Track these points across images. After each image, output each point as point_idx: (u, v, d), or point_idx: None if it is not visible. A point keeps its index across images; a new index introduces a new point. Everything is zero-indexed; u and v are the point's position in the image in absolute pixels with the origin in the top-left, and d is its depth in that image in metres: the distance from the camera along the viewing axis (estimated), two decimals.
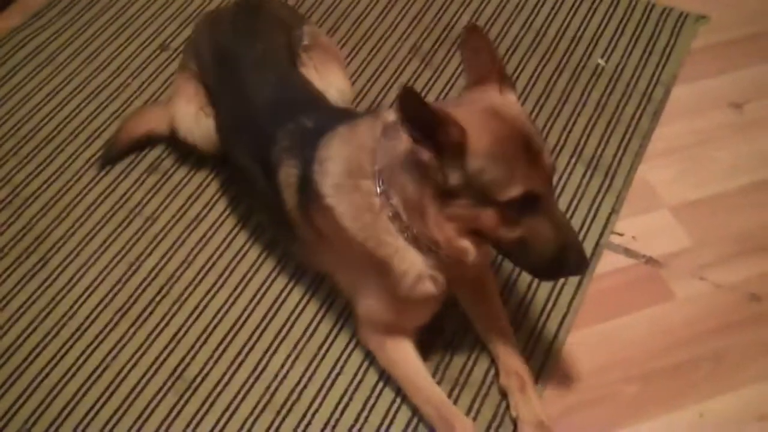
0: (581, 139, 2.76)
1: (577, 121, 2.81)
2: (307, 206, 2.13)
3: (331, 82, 2.53)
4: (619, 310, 2.38)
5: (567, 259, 1.85)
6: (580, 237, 2.50)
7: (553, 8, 3.16)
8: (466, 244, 1.89)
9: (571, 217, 2.55)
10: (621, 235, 2.53)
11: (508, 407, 2.18)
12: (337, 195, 2.02)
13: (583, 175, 2.66)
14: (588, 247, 2.48)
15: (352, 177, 1.99)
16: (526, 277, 2.42)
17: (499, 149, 1.76)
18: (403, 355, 2.19)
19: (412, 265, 1.99)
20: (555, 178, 2.51)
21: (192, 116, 2.57)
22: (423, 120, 1.72)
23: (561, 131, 2.78)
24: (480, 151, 1.75)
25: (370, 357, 2.27)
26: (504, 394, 2.20)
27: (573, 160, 2.70)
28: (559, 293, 2.40)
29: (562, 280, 2.41)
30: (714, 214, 2.57)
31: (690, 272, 2.44)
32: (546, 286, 2.40)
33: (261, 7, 2.57)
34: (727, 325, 2.34)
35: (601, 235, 2.52)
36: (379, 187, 1.95)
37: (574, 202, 2.59)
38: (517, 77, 2.93)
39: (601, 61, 2.98)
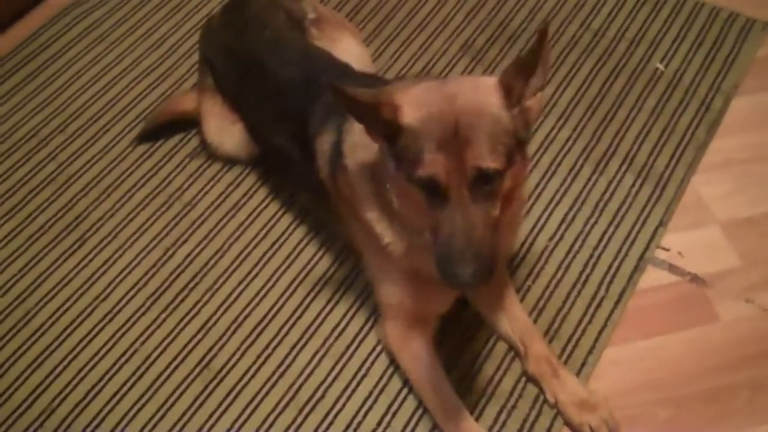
0: (633, 147, 2.67)
1: (631, 128, 2.72)
2: (335, 173, 2.13)
3: (347, 50, 2.48)
4: (659, 328, 2.30)
5: (451, 265, 1.72)
6: (625, 249, 2.43)
7: (613, 8, 3.06)
8: (408, 218, 1.90)
9: (617, 227, 2.48)
10: (667, 250, 2.45)
11: (543, 396, 2.16)
12: (352, 155, 2.03)
13: (632, 185, 2.57)
14: (632, 260, 2.41)
15: (365, 140, 1.93)
16: (562, 290, 2.36)
17: (423, 128, 1.72)
18: (423, 353, 2.15)
19: (396, 236, 2.00)
20: (603, 184, 2.52)
21: (220, 131, 2.59)
22: (360, 109, 1.76)
23: (613, 137, 2.69)
24: (408, 126, 1.73)
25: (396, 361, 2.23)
26: (534, 382, 2.18)
27: (623, 168, 2.62)
28: (598, 307, 2.33)
29: (601, 294, 2.35)
30: (767, 233, 2.47)
31: (736, 294, 2.35)
32: (584, 299, 2.34)
33: (249, 1, 2.54)
34: None
35: (646, 248, 2.44)
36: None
37: (621, 212, 2.51)
38: (571, 79, 2.85)
39: (660, 66, 2.88)
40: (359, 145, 2.02)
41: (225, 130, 2.58)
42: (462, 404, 2.10)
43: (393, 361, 2.24)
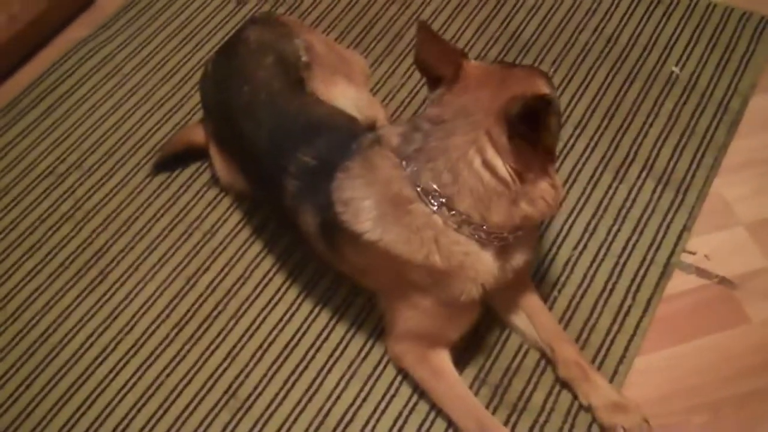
0: (652, 153, 2.64)
1: (649, 133, 2.69)
2: (337, 247, 2.10)
3: (340, 98, 2.40)
4: (689, 333, 2.27)
5: None
6: (650, 255, 2.40)
7: (625, 14, 3.04)
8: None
9: (641, 234, 2.45)
10: (693, 253, 2.41)
11: (577, 399, 2.14)
12: (381, 226, 1.95)
13: (654, 191, 2.54)
14: (658, 266, 2.38)
15: (397, 205, 1.94)
16: (589, 300, 2.33)
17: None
18: (445, 367, 2.14)
19: (485, 264, 1.96)
20: (624, 192, 2.52)
21: (227, 176, 2.54)
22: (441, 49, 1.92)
23: (631, 144, 2.66)
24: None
25: None
26: (567, 386, 2.16)
27: (643, 174, 2.59)
28: (626, 315, 2.30)
29: (629, 302, 2.31)
30: None
31: (766, 294, 2.31)
32: (611, 308, 2.30)
33: (239, 45, 2.46)
34: None
35: (672, 253, 2.41)
36: (432, 204, 1.90)
37: (644, 219, 2.48)
38: (586, 87, 2.83)
39: (676, 70, 2.85)
40: (389, 215, 1.95)
41: (230, 176, 2.53)
42: (488, 413, 2.09)
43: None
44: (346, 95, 2.43)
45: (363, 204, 1.98)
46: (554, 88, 2.01)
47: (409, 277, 2.01)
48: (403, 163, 1.92)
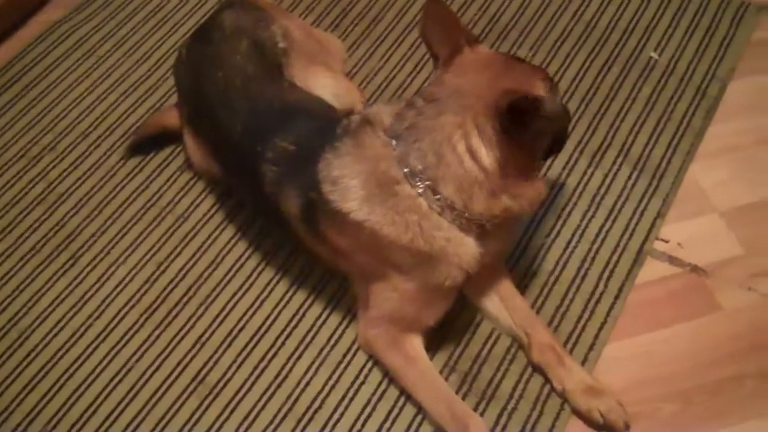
0: (629, 138, 2.63)
1: (626, 119, 2.68)
2: (320, 229, 2.09)
3: (318, 87, 2.39)
4: (661, 321, 2.26)
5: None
6: (623, 242, 2.39)
7: None
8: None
9: (614, 220, 2.44)
10: (666, 241, 2.40)
11: (550, 386, 2.13)
12: (368, 206, 1.96)
13: (629, 177, 2.53)
14: (630, 253, 2.38)
15: (383, 186, 1.95)
16: (561, 286, 2.32)
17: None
18: (418, 353, 2.14)
19: (467, 249, 1.97)
20: (599, 178, 2.53)
21: (201, 161, 2.52)
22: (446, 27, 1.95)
23: (608, 129, 2.65)
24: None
25: None
26: (540, 372, 2.15)
27: (619, 160, 2.58)
28: (598, 302, 2.29)
29: (600, 289, 2.31)
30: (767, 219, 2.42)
31: (738, 282, 2.31)
32: (583, 295, 2.29)
33: (213, 30, 2.44)
34: None
35: (644, 241, 2.40)
36: (417, 186, 1.91)
37: (618, 205, 2.47)
38: (564, 71, 2.81)
39: (654, 55, 2.84)
40: (377, 196, 1.96)
41: (204, 161, 2.50)
42: (458, 398, 2.09)
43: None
44: (324, 83, 2.42)
45: (351, 182, 1.97)
46: (556, 93, 2.00)
47: (393, 258, 2.01)
48: (393, 142, 1.93)
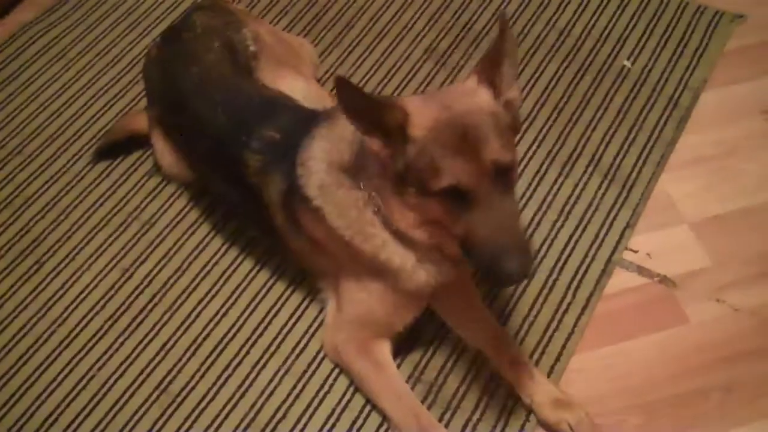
0: (600, 147, 2.62)
1: (597, 128, 2.67)
2: (295, 215, 2.08)
3: (289, 87, 2.36)
4: (627, 332, 2.25)
5: (502, 264, 1.71)
6: (592, 252, 2.38)
7: (579, 6, 3.01)
8: (421, 235, 1.87)
9: (584, 230, 2.43)
10: (635, 251, 2.39)
11: (517, 398, 2.11)
12: (323, 195, 1.99)
13: (599, 186, 2.52)
14: (599, 263, 2.36)
15: (335, 173, 1.96)
16: (529, 297, 2.31)
17: (434, 137, 1.73)
18: (386, 360, 2.13)
19: (403, 257, 1.96)
20: (569, 187, 2.47)
21: (171, 163, 2.52)
22: (365, 109, 1.74)
23: (579, 138, 2.64)
24: (417, 137, 1.75)
25: None
26: (507, 384, 2.13)
27: (589, 169, 2.56)
28: (565, 312, 2.28)
29: (568, 299, 2.29)
30: (737, 231, 2.42)
31: (707, 294, 2.30)
32: (551, 305, 2.28)
33: (185, 29, 2.45)
34: (742, 353, 2.19)
35: (613, 251, 2.39)
36: (362, 182, 1.92)
37: (588, 215, 2.46)
38: (537, 79, 2.80)
39: (627, 63, 2.83)
40: (332, 182, 1.97)
41: (174, 164, 2.50)
42: (424, 408, 2.08)
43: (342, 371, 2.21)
44: (293, 87, 2.39)
45: (317, 164, 1.99)
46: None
47: (351, 258, 2.02)
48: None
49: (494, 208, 1.73)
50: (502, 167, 1.72)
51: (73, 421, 2.19)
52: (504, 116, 1.79)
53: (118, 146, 2.71)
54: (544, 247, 2.40)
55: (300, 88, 2.43)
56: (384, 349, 2.14)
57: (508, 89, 1.81)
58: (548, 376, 2.15)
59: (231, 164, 2.18)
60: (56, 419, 2.19)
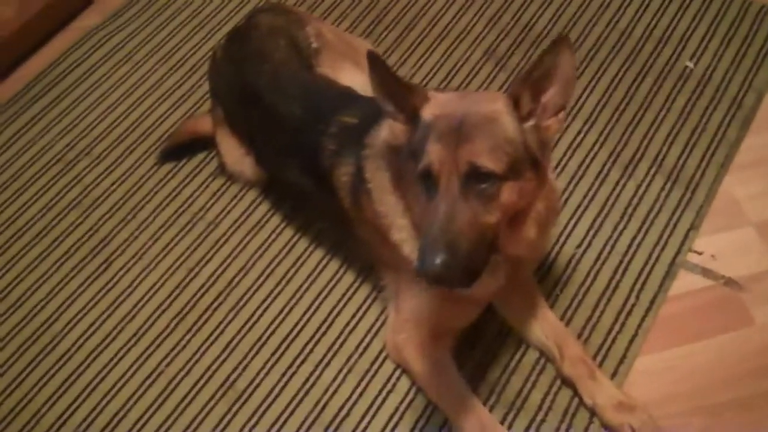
0: (662, 149, 2.60)
1: (660, 129, 2.65)
2: (359, 200, 2.12)
3: (349, 81, 2.40)
4: (692, 335, 2.24)
5: (419, 256, 1.71)
6: (656, 254, 2.36)
7: (640, 7, 2.99)
8: None
9: (647, 232, 2.42)
10: (700, 253, 2.38)
11: (580, 400, 2.11)
12: (374, 178, 2.05)
13: (662, 188, 2.51)
14: (663, 265, 2.35)
15: (388, 158, 2.02)
16: (592, 298, 2.31)
17: (435, 122, 1.79)
18: (446, 362, 2.14)
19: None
20: (632, 189, 2.48)
21: (236, 161, 2.58)
22: (391, 86, 1.84)
23: (641, 140, 2.63)
24: (425, 120, 1.81)
25: None
26: (570, 385, 2.13)
27: (652, 171, 2.55)
28: (629, 314, 2.27)
29: (632, 301, 2.29)
30: None
31: None
32: (614, 307, 2.28)
33: (251, 29, 2.51)
34: None
35: (677, 253, 2.37)
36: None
37: (651, 217, 2.45)
38: (598, 80, 2.79)
39: (690, 64, 2.81)
40: (381, 167, 2.04)
41: (239, 161, 2.57)
42: (485, 409, 2.07)
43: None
44: (354, 80, 2.43)
45: (377, 150, 2.05)
46: None
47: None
48: None
49: (446, 202, 1.72)
50: (477, 172, 1.72)
51: (141, 417, 2.24)
52: (515, 133, 1.77)
53: (183, 148, 2.76)
54: (607, 249, 2.40)
55: (361, 82, 2.45)
56: (444, 350, 2.15)
57: (547, 115, 1.80)
58: (612, 378, 2.15)
59: (307, 151, 2.24)
60: (125, 415, 2.25)
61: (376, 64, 1.83)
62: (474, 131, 1.73)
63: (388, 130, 2.01)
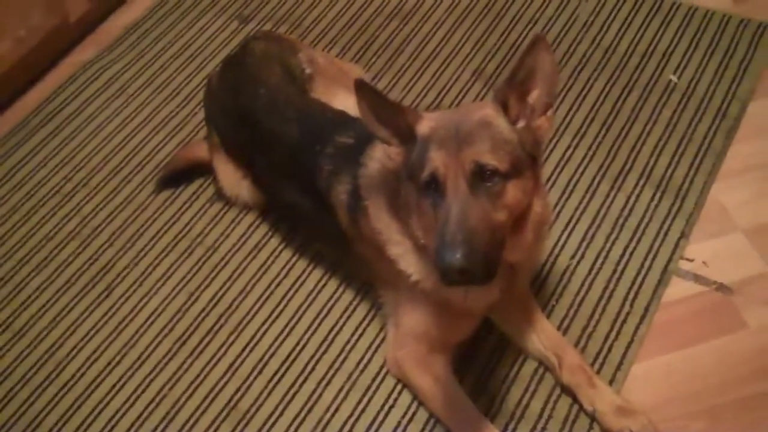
0: (650, 160, 2.66)
1: (647, 141, 2.71)
2: (357, 218, 2.16)
3: (342, 106, 2.43)
4: (687, 340, 2.27)
5: (438, 255, 1.74)
6: (648, 262, 2.41)
7: (623, 24, 3.06)
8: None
9: (639, 241, 2.46)
10: (691, 260, 2.42)
11: (580, 407, 2.14)
12: (370, 195, 2.10)
13: (652, 198, 2.56)
14: (655, 273, 2.39)
15: (384, 175, 2.06)
16: (587, 308, 2.34)
17: (432, 134, 1.84)
18: (446, 374, 2.16)
19: (420, 271, 2.04)
20: (622, 200, 2.52)
21: (233, 185, 2.63)
22: (383, 110, 1.88)
23: (629, 152, 2.68)
24: (421, 135, 1.87)
25: None
26: (569, 393, 2.16)
27: (641, 182, 2.60)
28: (624, 322, 2.31)
29: (626, 309, 2.32)
30: None
31: (764, 300, 2.32)
32: (609, 316, 2.31)
33: (245, 55, 2.57)
34: None
35: (669, 260, 2.42)
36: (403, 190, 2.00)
37: (642, 227, 2.50)
38: (584, 97, 2.85)
39: (674, 78, 2.87)
40: (377, 184, 2.09)
41: (236, 185, 2.62)
42: (487, 420, 2.09)
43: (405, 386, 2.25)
44: (347, 104, 2.47)
45: (372, 167, 2.10)
46: None
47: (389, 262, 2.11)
48: None
49: (457, 202, 1.77)
50: (483, 170, 1.77)
51: None
52: (509, 133, 1.84)
53: (180, 175, 2.80)
54: (600, 259, 2.44)
55: (353, 105, 2.49)
56: (443, 363, 2.18)
57: (536, 115, 1.86)
58: (609, 385, 2.18)
59: (304, 172, 2.29)
60: None
61: (365, 91, 1.87)
62: (473, 134, 1.80)
63: (383, 152, 2.06)
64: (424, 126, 1.87)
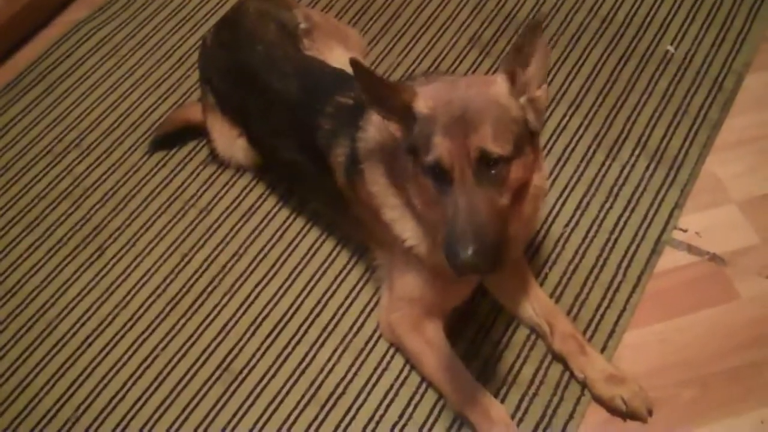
0: (646, 131, 2.65)
1: (642, 112, 2.70)
2: (353, 180, 2.16)
3: (338, 60, 2.43)
4: (679, 309, 2.28)
5: (453, 249, 1.74)
6: (641, 232, 2.41)
7: None
8: (433, 215, 1.91)
9: (633, 211, 2.47)
10: (684, 231, 2.43)
11: (571, 374, 2.16)
12: (367, 159, 2.09)
13: (646, 168, 2.56)
14: (649, 243, 2.40)
15: (381, 140, 2.05)
16: (580, 276, 2.35)
17: (434, 114, 1.81)
18: (438, 338, 2.17)
19: (416, 236, 2.05)
20: (617, 170, 2.52)
21: (228, 145, 2.62)
22: (378, 89, 1.86)
23: (625, 122, 2.68)
24: (421, 114, 1.84)
25: None
26: (561, 360, 2.17)
27: (636, 152, 2.60)
28: (617, 290, 2.32)
29: (619, 278, 2.33)
30: None
31: (756, 271, 2.33)
32: (602, 284, 2.32)
33: (240, 15, 2.56)
34: None
35: (663, 230, 2.43)
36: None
37: (636, 196, 2.50)
38: (581, 66, 2.84)
39: (671, 48, 2.86)
40: (375, 149, 2.08)
41: (231, 145, 2.61)
42: (479, 384, 2.10)
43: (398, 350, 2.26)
44: (343, 60, 2.45)
45: (370, 131, 2.09)
46: None
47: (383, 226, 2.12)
48: None
49: (465, 193, 1.76)
50: (488, 157, 1.76)
51: (139, 399, 2.26)
52: (516, 111, 1.83)
53: (173, 137, 2.79)
54: (594, 228, 2.44)
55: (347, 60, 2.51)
56: (436, 327, 2.19)
57: (533, 88, 1.86)
58: (601, 353, 2.19)
59: (303, 130, 2.27)
60: (123, 397, 2.27)
61: (360, 70, 1.84)
62: (480, 117, 1.77)
63: (380, 126, 2.05)
64: (422, 104, 1.84)
